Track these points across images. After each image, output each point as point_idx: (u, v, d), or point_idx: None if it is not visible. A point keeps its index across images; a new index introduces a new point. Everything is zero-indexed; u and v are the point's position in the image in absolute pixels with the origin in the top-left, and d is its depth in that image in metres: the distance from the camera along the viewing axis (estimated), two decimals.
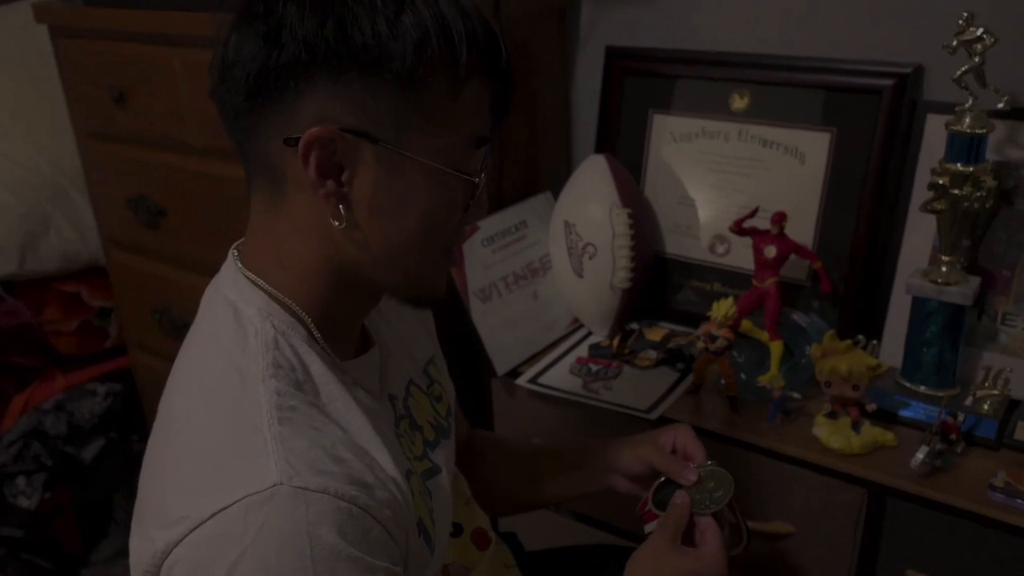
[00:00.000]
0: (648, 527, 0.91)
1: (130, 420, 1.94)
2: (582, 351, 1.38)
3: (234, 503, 0.61)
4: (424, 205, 0.70)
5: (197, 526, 0.62)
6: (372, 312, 0.82)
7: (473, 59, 0.67)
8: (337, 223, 0.69)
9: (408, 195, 0.69)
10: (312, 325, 0.73)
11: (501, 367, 1.33)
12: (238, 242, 0.78)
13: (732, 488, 0.87)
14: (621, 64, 1.45)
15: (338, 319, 0.75)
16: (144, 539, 0.66)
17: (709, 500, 0.86)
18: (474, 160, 0.72)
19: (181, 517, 0.63)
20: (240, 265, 0.74)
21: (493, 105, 0.72)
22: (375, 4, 0.64)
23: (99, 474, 1.90)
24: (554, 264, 1.41)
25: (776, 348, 1.22)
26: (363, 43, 0.64)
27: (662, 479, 0.92)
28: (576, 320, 1.45)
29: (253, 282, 0.73)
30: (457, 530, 0.91)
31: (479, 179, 0.72)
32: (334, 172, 0.67)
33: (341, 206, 0.68)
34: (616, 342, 1.35)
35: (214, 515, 0.61)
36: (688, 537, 0.86)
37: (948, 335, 1.15)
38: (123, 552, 0.70)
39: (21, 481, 1.82)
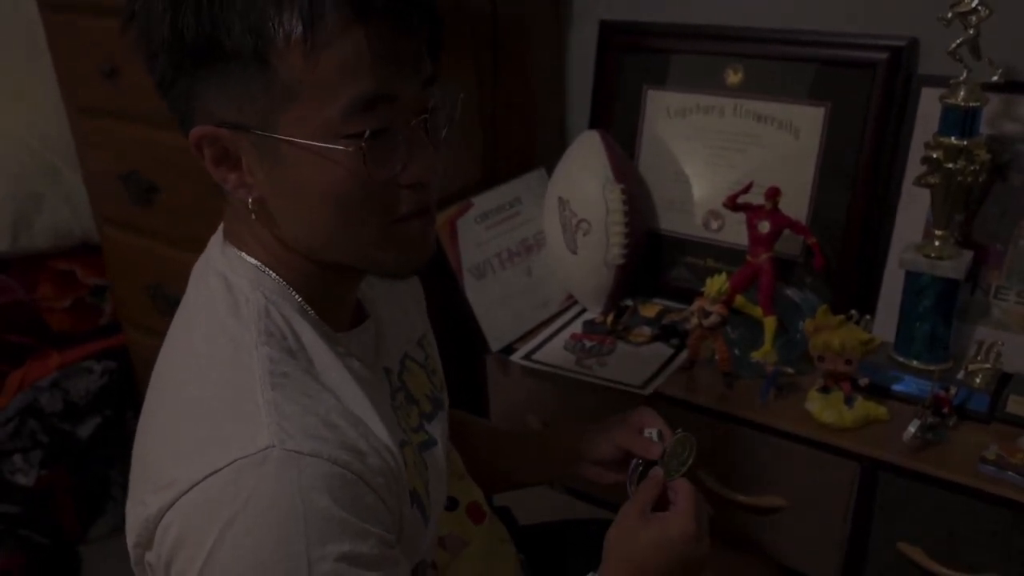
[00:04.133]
0: None
1: (125, 398, 1.94)
2: (576, 327, 1.38)
3: (226, 466, 0.62)
4: (318, 184, 0.66)
5: (189, 489, 0.62)
6: (364, 286, 0.82)
7: (323, 27, 0.62)
8: (253, 215, 0.70)
9: (298, 177, 0.66)
10: (300, 297, 0.73)
11: (495, 344, 1.34)
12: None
13: (695, 448, 0.87)
14: (615, 39, 1.44)
15: (325, 292, 0.75)
16: (137, 504, 0.67)
17: (679, 464, 0.87)
18: (360, 124, 0.64)
19: (173, 481, 0.63)
20: (226, 240, 0.75)
21: (386, 53, 0.64)
22: None
23: (95, 451, 1.91)
24: (548, 241, 1.41)
25: (770, 323, 1.22)
26: (193, 38, 0.62)
27: (641, 461, 0.91)
28: (570, 297, 1.45)
29: (241, 256, 0.73)
30: (452, 504, 0.91)
31: (363, 144, 0.64)
32: (234, 165, 0.68)
33: (251, 198, 0.69)
34: (610, 318, 1.35)
35: (206, 478, 0.62)
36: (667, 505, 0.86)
37: (941, 309, 1.15)
38: (120, 529, 0.70)
39: (18, 458, 1.83)
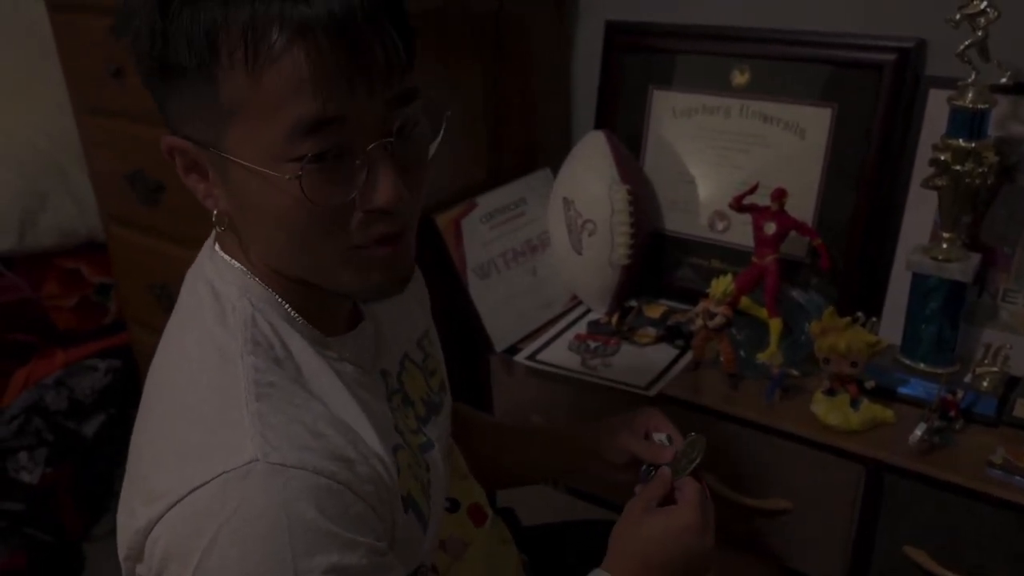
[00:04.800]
0: None
1: (130, 396, 1.94)
2: (581, 328, 1.37)
3: (211, 480, 0.62)
4: (266, 206, 0.65)
5: (176, 503, 0.62)
6: None
7: (266, 45, 0.60)
8: (220, 227, 0.70)
9: (249, 197, 0.66)
10: (287, 304, 0.72)
11: (500, 344, 1.33)
12: None
13: (704, 449, 0.88)
14: (621, 39, 1.43)
15: (315, 298, 0.73)
16: (128, 516, 0.67)
17: (687, 463, 0.88)
18: (305, 147, 0.62)
19: (161, 494, 0.63)
20: (217, 246, 0.75)
21: (333, 71, 0.60)
22: (153, 11, 0.62)
23: (100, 449, 1.91)
24: (553, 241, 1.41)
25: (775, 325, 1.22)
26: (148, 54, 0.63)
27: (653, 466, 0.92)
28: (575, 297, 1.44)
29: (229, 262, 0.73)
30: (454, 505, 0.91)
31: (302, 173, 0.62)
32: (203, 175, 0.69)
33: (216, 210, 0.70)
34: (615, 319, 1.35)
35: (192, 491, 0.62)
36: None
37: (948, 312, 1.14)
38: None
39: (23, 456, 1.83)
